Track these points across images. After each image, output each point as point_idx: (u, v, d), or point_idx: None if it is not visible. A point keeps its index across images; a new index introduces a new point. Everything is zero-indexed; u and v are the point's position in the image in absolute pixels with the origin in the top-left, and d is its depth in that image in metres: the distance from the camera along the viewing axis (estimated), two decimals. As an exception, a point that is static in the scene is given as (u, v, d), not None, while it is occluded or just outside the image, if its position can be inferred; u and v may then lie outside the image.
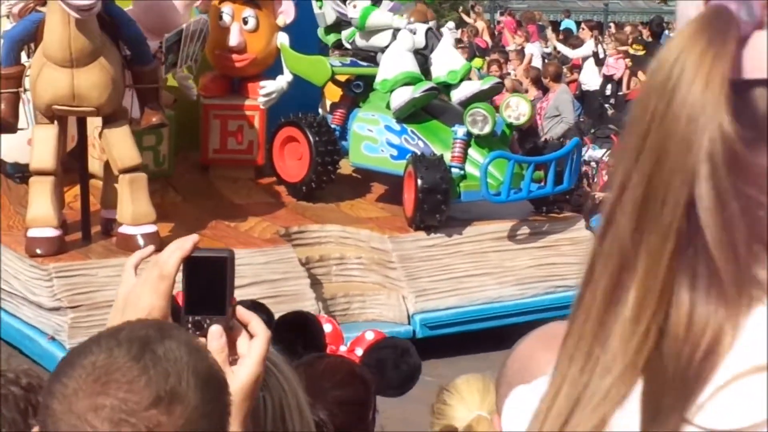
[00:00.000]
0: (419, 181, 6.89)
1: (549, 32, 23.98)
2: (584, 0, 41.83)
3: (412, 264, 7.03)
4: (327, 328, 3.10)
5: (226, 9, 7.60)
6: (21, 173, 7.43)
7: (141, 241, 6.25)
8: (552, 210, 7.65)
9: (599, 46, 18.67)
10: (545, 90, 13.23)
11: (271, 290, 6.42)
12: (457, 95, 7.55)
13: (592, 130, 13.03)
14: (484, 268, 7.21)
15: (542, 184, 7.30)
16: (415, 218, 7.06)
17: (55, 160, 6.19)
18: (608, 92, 17.54)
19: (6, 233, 6.75)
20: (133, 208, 6.25)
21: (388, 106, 7.52)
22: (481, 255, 7.24)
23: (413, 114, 7.45)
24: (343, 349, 3.09)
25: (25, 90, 6.39)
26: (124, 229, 6.30)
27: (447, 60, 7.65)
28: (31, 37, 6.28)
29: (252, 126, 7.75)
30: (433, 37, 7.74)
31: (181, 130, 7.50)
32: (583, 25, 20.95)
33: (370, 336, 3.09)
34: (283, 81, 7.63)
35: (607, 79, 17.72)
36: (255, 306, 2.86)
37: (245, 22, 7.61)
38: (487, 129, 7.18)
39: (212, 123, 7.74)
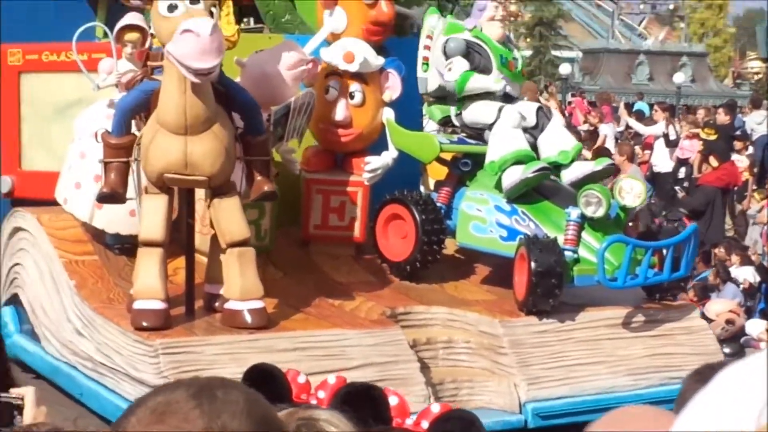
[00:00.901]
0: (533, 264, 6.66)
1: (621, 108, 23.90)
2: (657, 82, 41.72)
3: (524, 350, 6.76)
4: (393, 400, 2.93)
5: (333, 83, 7.45)
6: (121, 244, 7.30)
7: (248, 317, 6.08)
8: (666, 297, 7.39)
9: (670, 127, 18.49)
10: (617, 170, 12.99)
11: (379, 373, 6.18)
12: (568, 176, 7.34)
13: (663, 212, 12.83)
14: (597, 357, 6.94)
15: (657, 269, 7.04)
16: (527, 302, 6.81)
17: (164, 231, 6.04)
18: (681, 175, 17.33)
19: (106, 306, 6.60)
20: (241, 282, 6.06)
21: (496, 186, 7.32)
22: (594, 342, 6.98)
23: (524, 194, 7.23)
24: (409, 422, 2.92)
25: (135, 160, 6.24)
26: (231, 305, 6.11)
27: (558, 139, 7.45)
28: (143, 107, 6.16)
29: (354, 202, 7.56)
30: (543, 116, 7.54)
31: (282, 205, 7.32)
32: (655, 107, 20.80)
33: (436, 409, 2.94)
34: (388, 157, 7.46)
35: (680, 161, 17.51)
36: (370, 389, 2.81)
37: (351, 97, 7.45)
38: (601, 212, 6.95)
39: (314, 198, 7.55)
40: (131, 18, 7.08)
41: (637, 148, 18.67)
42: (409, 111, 7.96)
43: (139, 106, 6.18)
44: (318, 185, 7.56)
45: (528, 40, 43.19)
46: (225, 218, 6.08)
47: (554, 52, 43.80)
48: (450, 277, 7.58)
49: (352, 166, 7.59)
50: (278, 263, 7.36)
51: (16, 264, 7.95)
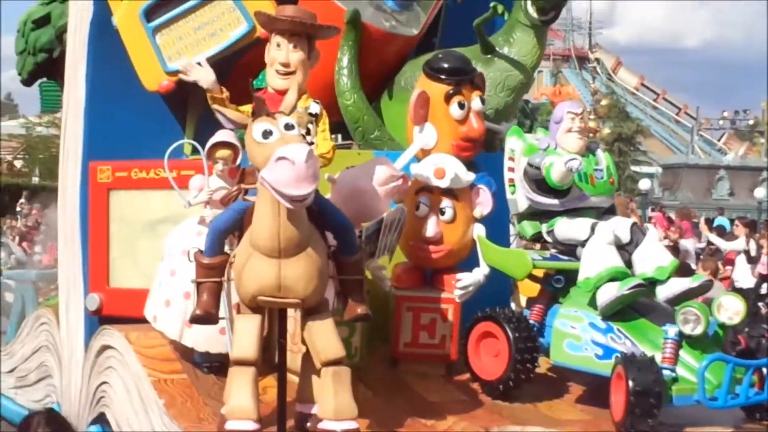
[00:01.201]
0: (631, 384, 6.47)
1: (702, 224, 23.71)
2: (737, 197, 41.41)
3: (623, 471, 6.55)
4: None
5: (424, 199, 7.39)
6: (209, 363, 7.23)
7: (341, 438, 5.94)
8: (766, 417, 7.14)
9: (751, 243, 18.26)
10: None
11: (475, 496, 6.01)
12: (664, 293, 7.18)
13: (746, 329, 12.53)
14: (697, 478, 6.71)
15: (758, 389, 6.82)
16: (625, 422, 6.59)
17: (257, 351, 5.94)
18: (763, 290, 17.03)
19: (196, 426, 6.51)
20: (336, 402, 5.93)
21: (591, 303, 7.18)
22: (695, 464, 6.75)
23: (619, 311, 7.08)
24: None
25: (228, 280, 6.18)
26: (324, 425, 5.98)
27: (654, 255, 7.31)
28: (236, 226, 6.11)
29: (446, 320, 7.44)
30: (637, 231, 7.42)
31: (372, 322, 7.20)
32: (737, 222, 20.63)
33: None
34: (479, 274, 7.35)
35: (762, 277, 17.25)
36: None
37: (442, 213, 7.38)
38: (699, 329, 6.78)
39: (405, 315, 7.45)
40: (223, 135, 7.10)
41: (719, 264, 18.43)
42: (497, 227, 7.87)
43: (233, 226, 6.13)
44: (408, 302, 7.45)
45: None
46: (319, 337, 5.98)
47: (634, 168, 43.76)
48: (543, 396, 7.39)
49: (443, 282, 7.49)
50: (368, 382, 7.23)
51: (103, 382, 7.91)
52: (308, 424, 6.27)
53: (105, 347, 7.92)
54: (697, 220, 25.99)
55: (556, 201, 7.58)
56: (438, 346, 7.49)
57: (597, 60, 54.04)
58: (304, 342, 6.19)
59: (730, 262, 18.26)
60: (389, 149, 8.21)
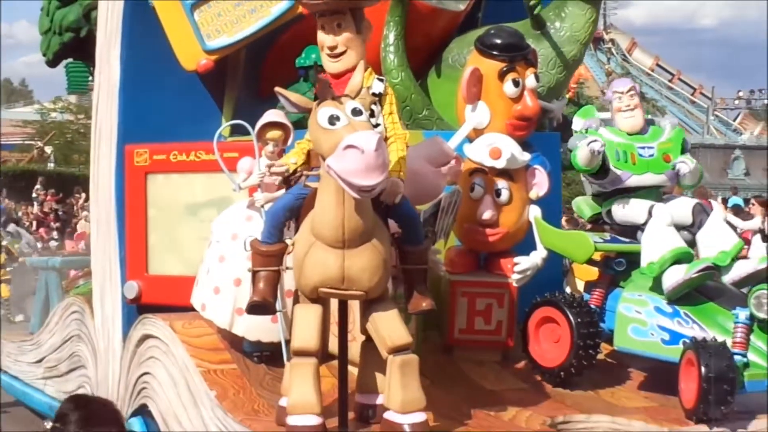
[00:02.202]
0: (703, 370, 6.20)
1: (718, 204, 23.47)
2: (753, 177, 41.13)
3: (697, 460, 6.29)
4: None
5: (479, 180, 7.09)
6: (260, 352, 6.97)
7: (408, 431, 5.66)
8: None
9: (766, 222, 18.02)
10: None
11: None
12: (730, 275, 6.90)
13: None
14: (771, 466, 6.44)
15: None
16: (697, 410, 6.33)
17: (318, 342, 5.67)
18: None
19: (252, 418, 6.23)
20: (403, 394, 5.65)
21: (654, 286, 6.92)
22: (769, 452, 6.48)
23: (686, 295, 6.82)
24: None
25: (286, 269, 5.90)
26: (390, 416, 5.70)
27: (716, 239, 7.03)
28: (295, 213, 5.82)
29: (502, 305, 7.16)
30: (701, 212, 7.14)
31: (425, 309, 6.93)
32: (752, 200, 20.36)
33: None
34: (537, 257, 7.06)
35: (780, 256, 16.94)
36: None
37: (498, 195, 7.08)
38: (773, 313, 6.51)
39: (460, 301, 7.17)
40: (273, 115, 6.81)
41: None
42: (549, 208, 7.58)
43: (292, 212, 5.84)
44: (463, 287, 7.17)
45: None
46: (384, 325, 5.70)
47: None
48: (605, 383, 7.13)
49: (499, 266, 7.20)
50: (424, 370, 6.90)
51: (145, 373, 7.64)
52: (372, 416, 6.00)
53: (146, 337, 7.65)
54: (714, 200, 25.78)
55: (597, 182, 7.38)
56: (494, 333, 7.22)
57: (612, 41, 53.65)
58: (363, 331, 5.93)
59: (746, 242, 18.03)
60: (438, 129, 7.92)
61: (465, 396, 6.67)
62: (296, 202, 5.81)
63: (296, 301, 5.90)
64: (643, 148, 7.36)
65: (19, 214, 27.53)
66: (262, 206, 6.65)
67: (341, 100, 5.41)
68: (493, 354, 7.32)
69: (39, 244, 24.79)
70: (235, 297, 6.76)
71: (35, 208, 29.77)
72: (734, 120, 50.98)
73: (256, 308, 5.89)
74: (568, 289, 7.89)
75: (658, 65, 49.87)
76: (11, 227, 22.47)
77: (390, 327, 5.70)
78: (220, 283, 6.85)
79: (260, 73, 9.13)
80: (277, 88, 5.71)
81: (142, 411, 7.70)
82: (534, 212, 7.19)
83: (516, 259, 7.06)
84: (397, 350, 5.68)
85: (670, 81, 52.38)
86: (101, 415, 4.51)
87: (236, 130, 8.42)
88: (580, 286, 7.92)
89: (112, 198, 8.59)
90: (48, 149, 33.72)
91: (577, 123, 7.58)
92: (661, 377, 7.00)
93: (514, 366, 7.30)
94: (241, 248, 6.39)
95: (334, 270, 5.54)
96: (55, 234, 26.13)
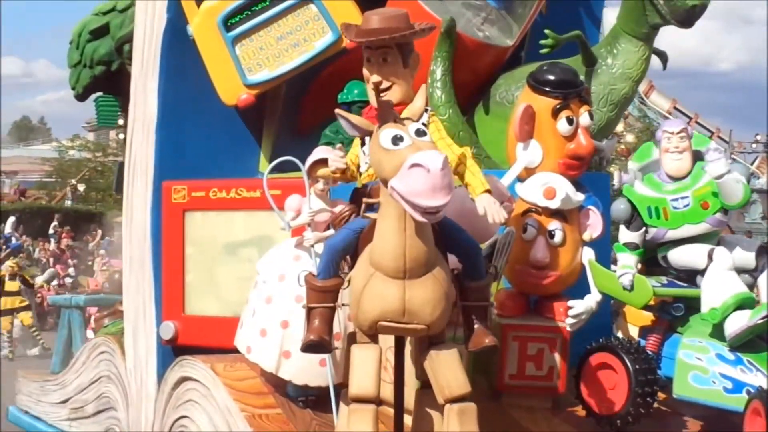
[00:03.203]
0: (771, 420, 5.96)
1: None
2: (771, 223, 40.82)
3: None
4: None
5: (531, 221, 6.84)
6: (305, 397, 6.73)
7: (467, 484, 5.41)
8: None
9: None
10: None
11: None
12: (792, 321, 6.66)
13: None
14: None
15: None
16: (763, 462, 6.08)
17: (378, 386, 5.41)
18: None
19: (302, 467, 5.99)
20: (462, 443, 5.40)
21: (714, 333, 6.68)
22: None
23: (748, 342, 6.58)
24: None
25: (343, 305, 5.67)
26: (447, 468, 5.45)
27: (780, 282, 6.80)
28: (352, 247, 5.58)
29: (554, 350, 6.90)
30: (764, 255, 6.91)
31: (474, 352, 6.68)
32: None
33: None
34: (592, 301, 6.78)
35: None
36: None
37: (551, 236, 6.83)
38: (842, 362, 6.27)
39: (510, 345, 6.91)
40: (324, 152, 6.58)
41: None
42: (600, 251, 7.33)
43: (350, 247, 5.60)
44: (515, 331, 6.92)
45: (639, 179, 42.64)
46: (444, 370, 5.45)
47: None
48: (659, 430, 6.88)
49: (551, 310, 6.94)
50: (474, 418, 6.71)
51: (183, 416, 7.42)
52: (427, 466, 5.74)
53: (184, 379, 7.43)
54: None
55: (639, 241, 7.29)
56: (545, 378, 6.95)
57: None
58: (419, 376, 5.69)
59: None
60: (486, 168, 7.66)
61: (520, 445, 6.42)
62: (353, 235, 5.58)
63: (350, 341, 5.66)
64: (676, 200, 7.16)
65: (37, 250, 27.36)
66: (312, 246, 6.42)
67: (404, 122, 5.20)
68: (544, 400, 7.06)
69: (54, 282, 24.64)
70: (282, 339, 6.53)
71: (52, 245, 29.62)
72: (752, 164, 50.70)
73: (311, 347, 5.64)
74: (619, 334, 7.63)
75: (675, 108, 49.66)
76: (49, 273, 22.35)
77: (450, 373, 5.45)
78: (267, 325, 6.62)
79: (300, 108, 8.92)
80: (337, 110, 5.50)
81: (179, 456, 7.48)
82: (588, 255, 6.94)
83: (570, 303, 6.80)
84: (455, 400, 5.43)
85: (687, 124, 52.21)
86: None
87: (275, 168, 8.23)
88: (632, 330, 7.68)
89: (148, 236, 8.38)
90: (81, 187, 33.59)
91: (632, 166, 7.39)
92: (718, 426, 6.78)
93: (565, 413, 7.04)
94: (288, 289, 6.19)
95: (394, 302, 5.29)
96: (71, 271, 25.96)
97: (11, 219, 31.57)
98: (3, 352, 18.41)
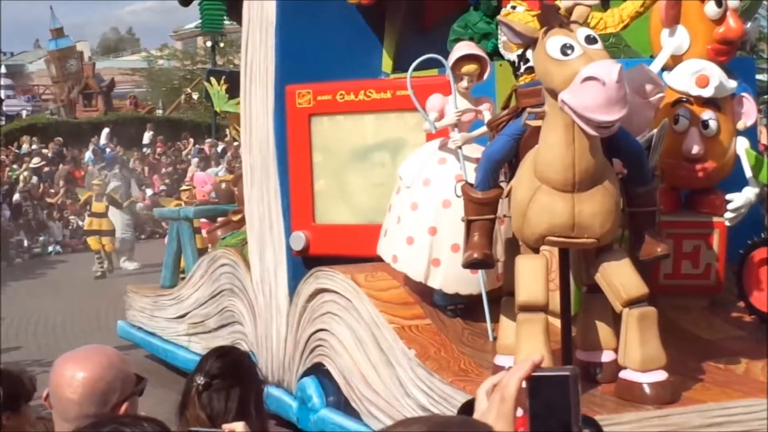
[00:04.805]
0: None
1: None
2: None
3: None
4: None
5: (683, 111, 6.45)
6: (454, 305, 6.44)
7: (648, 391, 5.12)
8: None
9: None
10: None
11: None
12: None
13: None
14: None
15: None
16: None
17: (546, 294, 5.11)
18: None
19: (462, 379, 5.71)
20: (642, 350, 5.12)
21: None
22: None
23: None
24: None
25: (505, 217, 5.36)
26: (628, 375, 5.19)
27: None
28: (512, 154, 5.27)
29: (711, 246, 6.54)
30: None
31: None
32: None
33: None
34: (750, 193, 6.41)
35: None
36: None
37: (705, 126, 6.44)
38: None
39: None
40: (469, 47, 6.23)
41: None
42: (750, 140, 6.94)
43: (509, 154, 5.29)
44: (669, 228, 6.53)
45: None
46: (617, 274, 5.16)
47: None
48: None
49: (705, 204, 6.58)
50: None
51: (321, 329, 7.16)
52: (598, 374, 5.46)
53: (320, 291, 7.16)
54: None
55: None
56: (702, 276, 6.61)
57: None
58: (586, 282, 5.39)
59: None
60: (626, 57, 7.27)
61: (685, 348, 6.08)
62: (513, 143, 5.26)
63: (512, 251, 5.36)
64: None
65: (132, 160, 27.29)
66: (460, 147, 6.09)
67: (571, 27, 4.83)
68: (701, 300, 6.72)
69: (149, 191, 24.53)
70: (431, 246, 6.23)
71: (147, 154, 29.58)
72: None
73: (475, 264, 5.37)
74: (773, 227, 7.27)
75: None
76: (117, 173, 22.09)
77: (624, 277, 5.17)
78: (414, 233, 6.31)
79: (423, 4, 8.51)
80: (499, 17, 5.16)
81: (317, 370, 7.25)
82: (742, 144, 6.55)
83: (728, 196, 6.43)
84: (633, 302, 5.14)
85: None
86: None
87: (398, 67, 7.88)
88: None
89: (271, 143, 8.06)
90: (195, 95, 33.28)
91: None
92: None
93: (725, 312, 6.69)
94: (435, 194, 5.88)
95: (563, 216, 5.00)
96: (167, 180, 25.86)
97: (105, 130, 31.54)
98: (96, 273, 18.34)
